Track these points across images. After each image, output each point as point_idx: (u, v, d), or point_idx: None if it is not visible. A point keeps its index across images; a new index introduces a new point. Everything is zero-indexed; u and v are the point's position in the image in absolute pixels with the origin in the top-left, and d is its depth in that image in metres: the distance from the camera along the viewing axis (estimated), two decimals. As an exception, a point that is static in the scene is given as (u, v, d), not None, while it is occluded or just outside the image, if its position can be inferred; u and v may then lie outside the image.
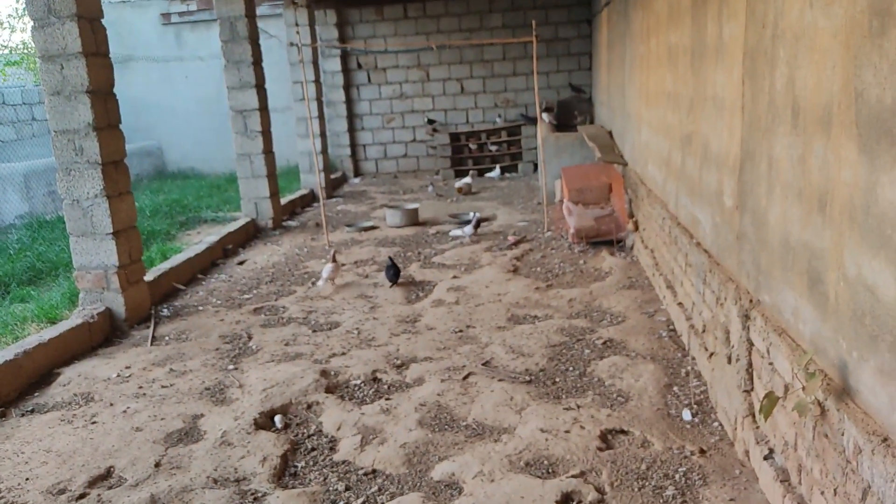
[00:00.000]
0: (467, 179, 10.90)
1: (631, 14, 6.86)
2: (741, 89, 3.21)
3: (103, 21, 5.29)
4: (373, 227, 8.56)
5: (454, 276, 6.18)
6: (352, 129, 12.84)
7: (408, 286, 6.01)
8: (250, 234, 8.29)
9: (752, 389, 3.05)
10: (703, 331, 3.89)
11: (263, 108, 8.35)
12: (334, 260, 6.16)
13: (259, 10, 12.54)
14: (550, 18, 12.08)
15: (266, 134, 8.42)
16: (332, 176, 12.07)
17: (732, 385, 3.21)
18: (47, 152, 10.90)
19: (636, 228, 6.46)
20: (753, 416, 3.02)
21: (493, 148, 12.36)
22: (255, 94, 8.16)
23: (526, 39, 7.34)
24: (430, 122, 12.55)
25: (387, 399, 3.85)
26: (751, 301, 3.07)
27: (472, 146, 12.38)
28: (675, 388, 3.72)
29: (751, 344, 3.03)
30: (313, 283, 6.25)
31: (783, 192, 2.72)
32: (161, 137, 13.39)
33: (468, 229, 7.55)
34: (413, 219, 8.58)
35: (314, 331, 5.05)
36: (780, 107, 2.72)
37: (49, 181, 9.76)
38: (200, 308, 5.74)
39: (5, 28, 21.05)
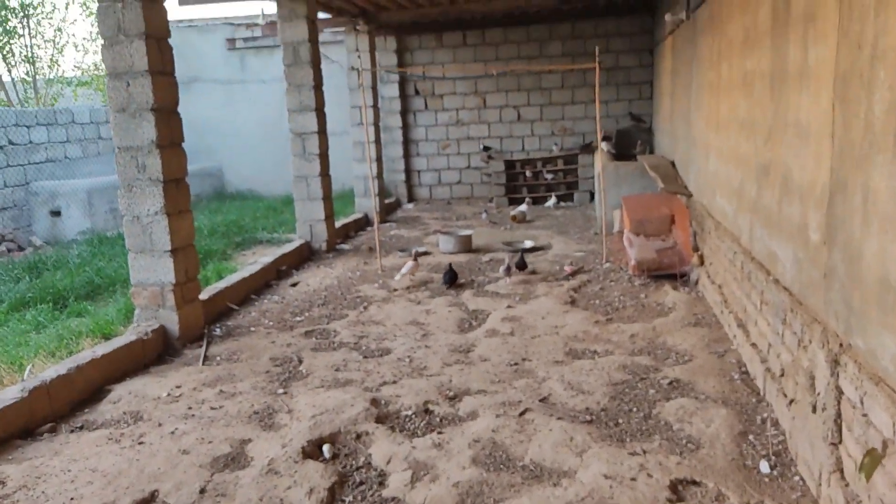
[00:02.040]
0: (522, 207, 10.74)
1: (699, 40, 6.65)
2: (830, 115, 2.98)
3: (170, 41, 5.37)
4: (426, 253, 8.45)
5: (509, 306, 5.99)
6: (407, 155, 12.86)
7: (461, 314, 5.85)
8: (304, 257, 8.28)
9: (840, 442, 2.77)
10: (782, 375, 3.61)
11: (322, 132, 8.39)
12: (416, 259, 6.97)
13: (321, 37, 12.77)
14: (612, 47, 11.92)
15: (323, 157, 8.45)
16: (386, 201, 12.06)
17: (817, 436, 2.94)
18: (110, 170, 11.22)
19: (701, 262, 6.17)
20: (842, 471, 2.74)
21: (549, 176, 12.19)
22: (314, 117, 8.21)
23: (588, 66, 7.20)
24: (486, 149, 12.48)
25: (439, 433, 3.68)
26: (840, 345, 2.81)
27: (528, 174, 12.23)
28: (751, 437, 3.45)
29: (840, 392, 2.76)
30: (365, 308, 6.15)
31: (882, 226, 2.48)
32: (222, 159, 13.67)
33: (502, 270, 6.85)
34: (466, 245, 8.44)
35: (365, 357, 4.93)
36: (880, 133, 2.50)
37: (110, 198, 10.02)
38: (252, 329, 5.69)
39: (80, 50, 22.01)
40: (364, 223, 10.71)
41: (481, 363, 4.68)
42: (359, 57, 7.79)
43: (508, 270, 6.84)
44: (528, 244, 8.48)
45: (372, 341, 5.27)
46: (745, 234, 4.71)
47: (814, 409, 3.00)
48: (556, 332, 5.23)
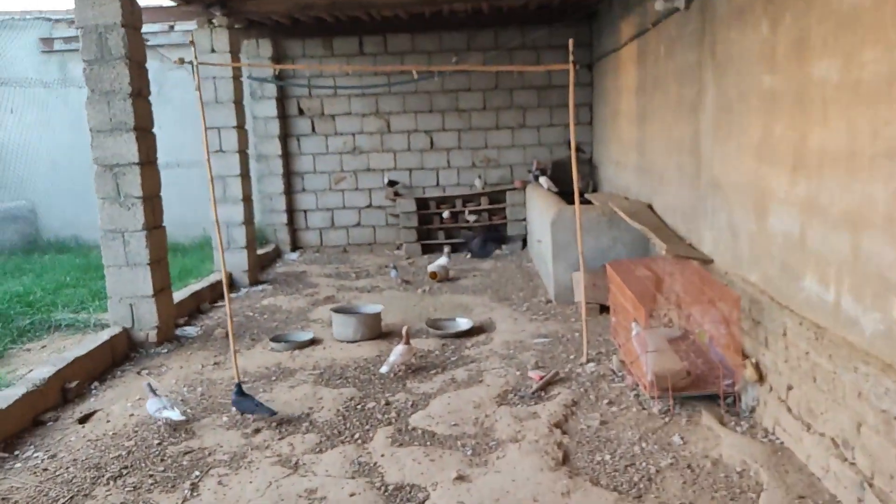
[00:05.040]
0: (443, 260, 8.19)
1: (722, 33, 4.37)
2: None
3: None
4: (312, 342, 5.70)
5: (459, 476, 3.37)
6: (289, 191, 10.05)
7: (374, 499, 3.19)
8: (118, 357, 5.31)
9: None
10: None
11: (147, 162, 5.52)
12: (407, 341, 4.90)
13: (168, 37, 9.83)
14: (542, 60, 9.69)
15: (151, 200, 5.57)
16: (263, 250, 9.21)
17: None
18: None
19: (760, 378, 3.83)
20: None
21: (471, 218, 9.74)
22: (132, 140, 5.33)
23: (561, 67, 4.84)
24: (392, 183, 9.88)
25: None
26: None
27: (445, 215, 9.73)
28: None
29: None
30: (194, 487, 3.35)
31: None
32: (36, 196, 10.27)
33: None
34: (374, 330, 5.76)
35: None
36: None
37: None
38: (-60, 573, 2.77)
39: None
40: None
41: None
42: (192, 46, 5.03)
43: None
44: (464, 324, 5.92)
45: None
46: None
47: None
48: (565, 562, 2.66)
